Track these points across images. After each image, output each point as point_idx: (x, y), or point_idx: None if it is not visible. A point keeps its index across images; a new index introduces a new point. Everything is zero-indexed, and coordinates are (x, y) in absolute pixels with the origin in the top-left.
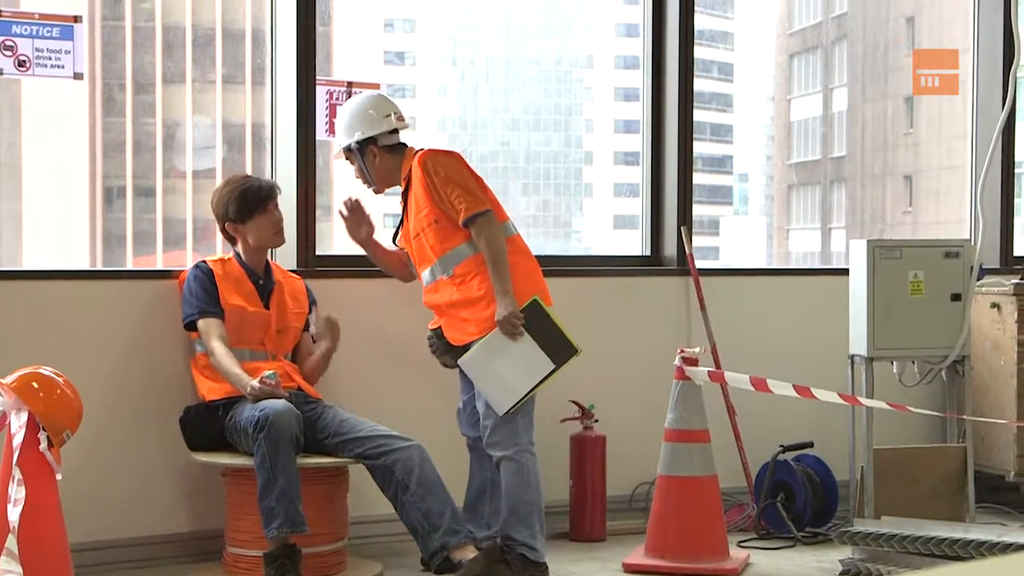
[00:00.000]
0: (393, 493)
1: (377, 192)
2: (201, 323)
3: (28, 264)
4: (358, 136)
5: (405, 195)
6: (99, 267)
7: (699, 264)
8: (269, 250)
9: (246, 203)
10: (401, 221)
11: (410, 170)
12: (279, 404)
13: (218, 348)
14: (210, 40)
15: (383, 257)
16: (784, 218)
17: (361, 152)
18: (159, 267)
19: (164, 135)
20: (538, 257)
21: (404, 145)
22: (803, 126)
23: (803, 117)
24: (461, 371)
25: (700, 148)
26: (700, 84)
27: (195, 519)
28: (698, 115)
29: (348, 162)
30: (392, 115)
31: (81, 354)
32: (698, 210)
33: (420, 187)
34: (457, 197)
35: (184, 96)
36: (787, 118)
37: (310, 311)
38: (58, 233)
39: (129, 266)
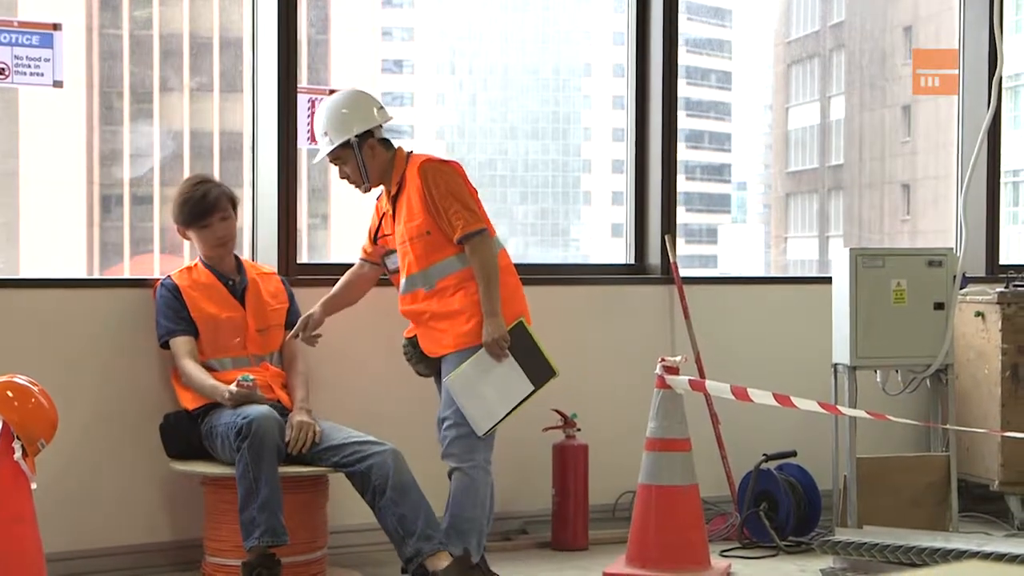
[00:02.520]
0: (371, 498)
1: (366, 191)
2: (171, 343)
3: (25, 273)
4: (357, 130)
5: (395, 198)
6: (96, 275)
7: (694, 272)
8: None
9: (185, 214)
10: (380, 222)
11: (403, 174)
12: (262, 410)
13: (188, 366)
14: (207, 49)
15: (348, 297)
16: (782, 226)
17: (359, 147)
18: (156, 275)
19: (161, 142)
20: (522, 265)
21: (391, 142)
22: (801, 135)
23: (801, 126)
24: (438, 383)
25: (699, 156)
26: (698, 92)
27: (176, 528)
28: (696, 123)
29: (335, 163)
30: (380, 108)
31: (61, 362)
32: (696, 218)
33: (416, 196)
34: (455, 213)
35: (181, 104)
36: (785, 127)
37: (290, 306)
38: (56, 242)
39: (126, 275)
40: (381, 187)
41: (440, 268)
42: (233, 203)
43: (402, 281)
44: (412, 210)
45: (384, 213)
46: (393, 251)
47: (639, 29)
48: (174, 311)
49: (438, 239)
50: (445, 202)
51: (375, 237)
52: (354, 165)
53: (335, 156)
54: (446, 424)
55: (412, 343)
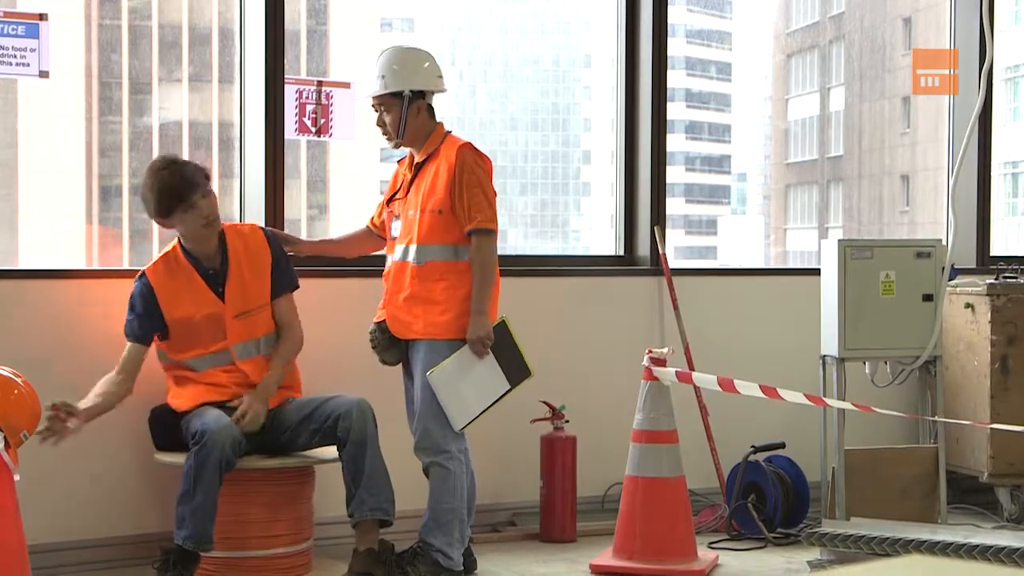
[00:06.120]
0: (339, 449)
1: (396, 146)
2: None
3: (23, 264)
4: (416, 86)
5: (420, 166)
6: (95, 266)
7: (691, 264)
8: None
9: (164, 202)
10: (398, 190)
11: (439, 148)
12: (221, 424)
13: (105, 378)
14: (206, 39)
15: (344, 248)
16: (781, 218)
17: (409, 103)
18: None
19: (160, 133)
20: (511, 256)
21: (435, 114)
22: (800, 126)
23: (800, 117)
24: (405, 371)
25: (699, 147)
26: (698, 83)
27: (162, 520)
28: (697, 115)
29: (378, 109)
30: (440, 78)
31: (48, 353)
32: (696, 209)
33: (446, 173)
34: (476, 204)
35: (180, 94)
36: (784, 118)
37: (274, 275)
38: (55, 232)
39: (126, 265)
40: (407, 152)
41: (435, 250)
42: (207, 176)
43: (398, 246)
44: (436, 184)
45: (403, 180)
46: (398, 217)
47: (628, 18)
48: (137, 315)
49: (448, 222)
50: (472, 190)
51: (389, 200)
52: (396, 117)
53: (381, 101)
54: (417, 418)
55: (380, 328)
